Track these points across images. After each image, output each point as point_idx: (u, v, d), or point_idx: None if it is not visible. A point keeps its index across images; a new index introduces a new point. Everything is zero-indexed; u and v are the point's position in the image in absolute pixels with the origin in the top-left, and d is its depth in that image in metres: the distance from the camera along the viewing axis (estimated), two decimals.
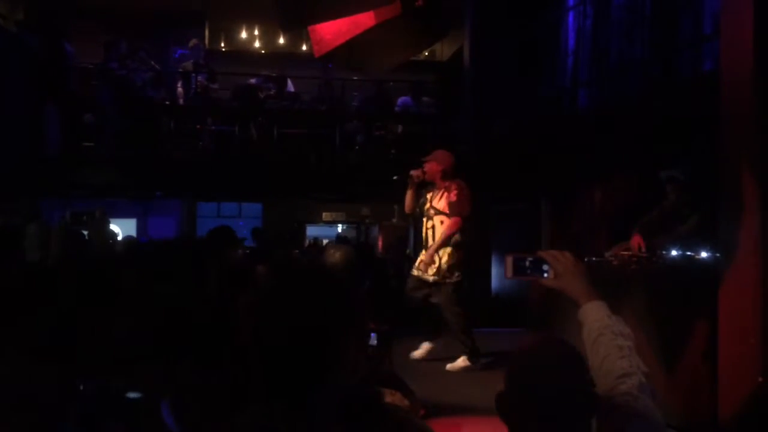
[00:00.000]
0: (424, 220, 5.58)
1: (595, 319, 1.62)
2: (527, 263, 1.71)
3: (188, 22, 11.06)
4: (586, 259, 3.93)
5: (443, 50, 12.13)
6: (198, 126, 9.40)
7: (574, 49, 7.10)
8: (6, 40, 7.98)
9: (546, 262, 1.69)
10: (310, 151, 9.06)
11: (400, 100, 9.99)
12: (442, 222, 5.42)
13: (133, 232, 9.81)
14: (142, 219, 10.64)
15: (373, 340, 2.51)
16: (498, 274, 7.94)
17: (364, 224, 12.81)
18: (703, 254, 3.82)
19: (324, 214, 12.53)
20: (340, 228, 13.43)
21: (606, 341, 1.59)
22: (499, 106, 7.86)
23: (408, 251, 10.31)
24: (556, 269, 1.68)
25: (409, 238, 11.08)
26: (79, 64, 9.18)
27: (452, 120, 9.14)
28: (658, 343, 3.80)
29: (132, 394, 1.70)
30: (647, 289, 3.98)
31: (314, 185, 9.19)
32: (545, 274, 1.69)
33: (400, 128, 9.87)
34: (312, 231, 13.03)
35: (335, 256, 3.61)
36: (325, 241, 10.82)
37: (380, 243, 11.84)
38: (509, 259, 1.71)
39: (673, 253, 3.96)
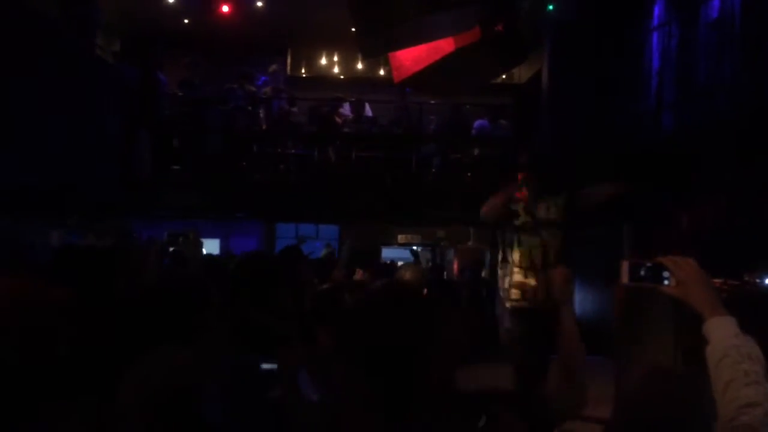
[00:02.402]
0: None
1: (721, 337, 1.46)
2: (645, 269, 1.59)
3: (272, 50, 11.48)
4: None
5: (521, 73, 12.07)
6: (279, 150, 9.71)
7: (659, 70, 6.92)
8: (104, 70, 8.51)
9: (667, 269, 1.55)
10: (387, 174, 9.18)
11: (477, 123, 9.99)
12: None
13: (216, 252, 10.17)
14: (225, 239, 11.02)
15: None
16: (578, 300, 7.76)
17: (439, 247, 12.80)
18: None
19: (399, 236, 12.61)
20: (416, 249, 13.48)
21: (731, 363, 1.42)
22: (579, 129, 7.74)
23: (483, 274, 10.23)
24: (678, 276, 1.53)
25: (484, 261, 11.01)
26: (170, 92, 9.68)
27: (529, 143, 9.07)
28: None
29: (267, 366, 1.79)
30: (739, 318, 3.81)
31: (390, 208, 9.29)
32: (665, 281, 1.55)
33: (476, 151, 9.86)
34: (387, 253, 13.12)
35: (405, 275, 3.73)
36: (399, 263, 10.88)
37: (455, 266, 11.79)
38: (625, 264, 1.59)
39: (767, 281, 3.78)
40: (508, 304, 4.48)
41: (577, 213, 4.48)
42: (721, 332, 1.46)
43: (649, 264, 1.58)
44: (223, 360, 1.82)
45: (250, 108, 9.60)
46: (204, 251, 9.02)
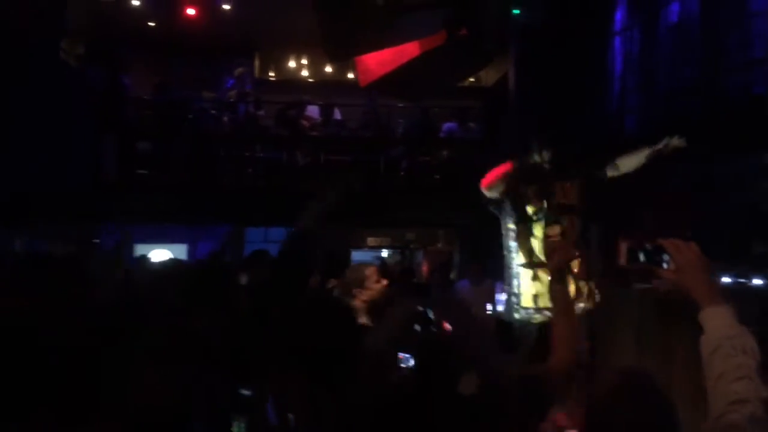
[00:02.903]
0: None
1: (716, 327, 1.40)
2: (645, 252, 1.52)
3: (240, 53, 11.41)
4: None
5: (488, 76, 12.17)
6: (246, 153, 9.65)
7: (621, 74, 7.05)
8: (68, 73, 8.37)
9: (667, 252, 1.49)
10: (356, 177, 9.18)
11: (446, 125, 10.06)
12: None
13: (183, 257, 10.05)
14: (193, 244, 10.90)
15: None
16: None
17: (409, 249, 12.83)
18: (757, 281, 3.72)
19: (369, 239, 12.60)
20: (384, 253, 13.47)
21: (723, 356, 1.36)
22: (545, 131, 7.82)
23: (452, 276, 10.28)
24: (678, 262, 1.47)
25: (453, 263, 11.06)
26: (135, 95, 9.57)
27: (497, 145, 9.15)
28: None
29: (245, 391, 1.79)
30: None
31: (359, 210, 9.29)
32: (664, 265, 1.49)
33: (445, 154, 9.92)
34: (357, 256, 13.10)
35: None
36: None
37: (425, 268, 11.83)
38: (623, 245, 1.54)
39: (724, 279, 3.87)
40: (517, 315, 3.80)
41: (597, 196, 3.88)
42: (716, 322, 1.41)
43: (649, 246, 1.52)
44: (202, 383, 1.81)
45: (213, 112, 9.53)
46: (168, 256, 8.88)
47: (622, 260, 1.54)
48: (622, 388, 1.37)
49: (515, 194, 3.85)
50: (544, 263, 3.61)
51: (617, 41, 7.16)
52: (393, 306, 2.85)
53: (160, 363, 1.50)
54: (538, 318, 3.74)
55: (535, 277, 3.75)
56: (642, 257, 1.52)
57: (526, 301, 3.77)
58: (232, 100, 9.79)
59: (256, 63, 12.32)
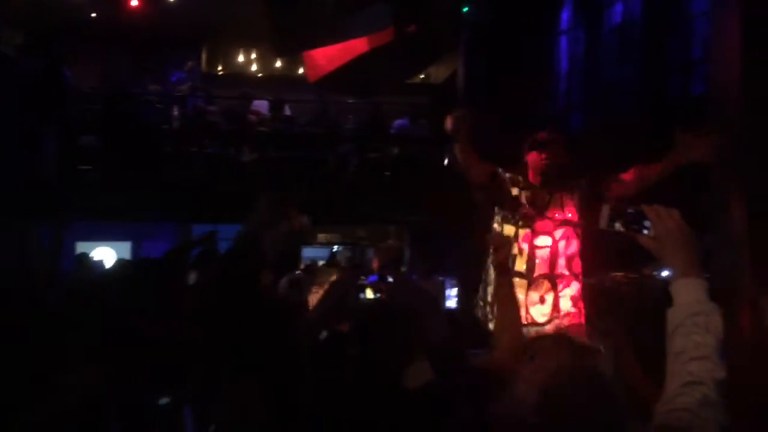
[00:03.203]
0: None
1: (683, 303, 1.34)
2: (627, 215, 1.47)
3: (186, 46, 11.15)
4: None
5: (438, 73, 12.23)
6: (194, 149, 9.46)
7: (567, 73, 7.19)
8: (3, 63, 8.04)
9: (648, 218, 1.43)
10: (305, 173, 9.10)
11: (397, 122, 10.06)
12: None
13: (127, 255, 9.79)
14: (137, 243, 10.63)
15: None
16: None
17: (360, 246, 12.81)
18: None
19: (319, 235, 12.53)
20: (335, 249, 13.43)
21: (684, 333, 1.30)
22: (494, 128, 7.91)
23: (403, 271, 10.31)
24: (658, 229, 1.41)
25: (404, 260, 11.08)
26: (77, 88, 9.25)
27: (446, 142, 9.21)
28: (650, 365, 3.80)
29: (163, 400, 1.72)
30: (640, 311, 3.98)
31: (309, 207, 9.22)
32: (645, 231, 1.44)
33: (396, 150, 9.92)
34: (308, 252, 13.02)
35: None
36: (320, 263, 10.81)
37: (375, 264, 11.83)
38: (605, 209, 1.48)
39: (665, 273, 3.97)
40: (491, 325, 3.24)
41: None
42: (684, 297, 1.35)
43: (631, 210, 1.48)
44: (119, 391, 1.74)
45: (159, 105, 9.31)
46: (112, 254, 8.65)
47: (603, 224, 1.49)
48: (573, 378, 1.35)
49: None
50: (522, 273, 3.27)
51: (563, 40, 7.29)
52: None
53: (79, 363, 1.43)
54: None
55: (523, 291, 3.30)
56: (626, 218, 1.47)
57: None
58: (183, 93, 9.56)
59: (204, 56, 12.08)
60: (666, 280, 4.00)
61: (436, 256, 9.54)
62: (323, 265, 9.84)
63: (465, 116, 3.29)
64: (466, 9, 7.58)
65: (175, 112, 9.47)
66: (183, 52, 10.82)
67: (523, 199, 3.38)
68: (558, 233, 3.27)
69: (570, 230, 3.27)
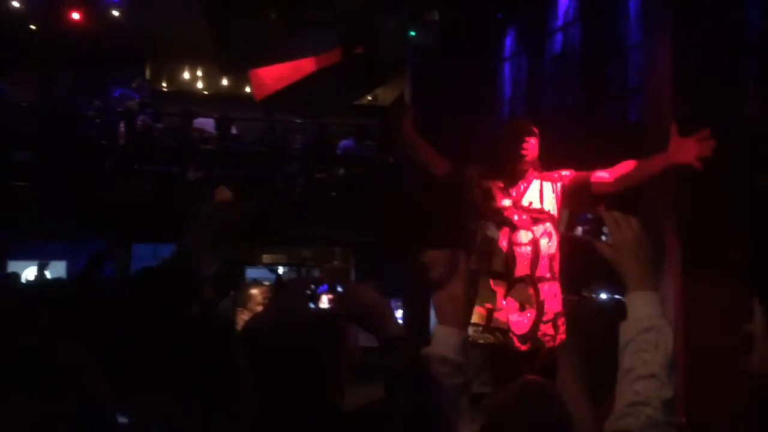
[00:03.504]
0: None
1: (636, 317, 1.29)
2: (586, 221, 1.46)
3: (130, 61, 10.95)
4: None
5: (385, 95, 12.35)
6: (136, 167, 9.25)
7: (510, 98, 7.36)
8: None
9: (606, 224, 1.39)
10: (251, 193, 9.00)
11: (343, 143, 10.09)
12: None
13: (62, 274, 9.47)
14: (73, 262, 10.28)
15: None
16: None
17: (305, 267, 12.71)
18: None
19: (264, 256, 12.39)
20: (281, 270, 13.28)
21: (634, 350, 1.26)
22: (440, 150, 8.02)
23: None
24: (615, 238, 1.36)
25: (349, 281, 11.04)
26: (13, 102, 8.97)
27: (394, 164, 9.27)
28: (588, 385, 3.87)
29: (122, 419, 1.66)
30: (578, 331, 4.07)
31: (254, 227, 9.11)
32: (603, 237, 1.41)
33: (342, 171, 9.93)
34: (252, 273, 12.83)
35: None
36: (266, 283, 10.67)
37: None
38: (565, 213, 1.45)
39: (602, 295, 4.08)
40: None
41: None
42: (639, 311, 1.30)
43: (590, 215, 1.51)
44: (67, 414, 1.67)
45: (98, 121, 9.08)
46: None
47: (562, 228, 1.50)
48: (523, 396, 1.35)
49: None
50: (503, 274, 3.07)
51: (506, 67, 7.47)
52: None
53: (12, 395, 1.37)
54: (486, 338, 3.10)
55: (491, 290, 3.12)
56: (585, 224, 1.47)
57: (476, 317, 3.13)
58: (131, 109, 9.36)
59: (148, 72, 11.89)
60: (606, 303, 4.12)
61: (382, 278, 9.54)
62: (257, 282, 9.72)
63: (407, 111, 3.24)
64: (413, 33, 7.69)
65: (122, 129, 9.26)
66: (126, 67, 10.62)
67: (496, 191, 3.14)
68: (538, 230, 2.94)
69: (551, 226, 2.92)
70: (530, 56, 6.87)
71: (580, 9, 5.97)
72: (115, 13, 9.58)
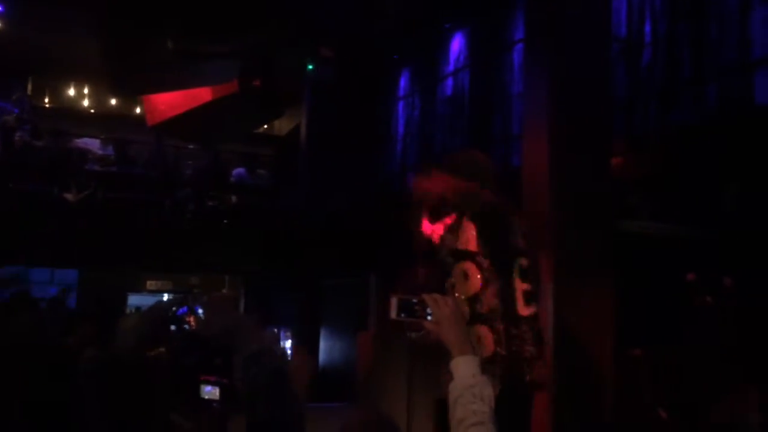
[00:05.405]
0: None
1: (461, 376, 1.55)
2: (411, 305, 1.64)
3: (10, 75, 10.35)
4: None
5: (282, 125, 12.38)
6: (11, 185, 8.68)
7: (404, 136, 7.63)
8: None
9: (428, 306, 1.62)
10: (137, 217, 8.69)
11: (236, 171, 9.98)
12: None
13: None
14: None
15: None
16: (325, 348, 8.01)
17: (192, 294, 12.35)
18: None
19: (149, 282, 11.93)
20: (165, 297, 12.82)
21: (464, 403, 1.51)
22: (334, 183, 8.14)
23: None
24: (436, 314, 1.60)
25: (238, 309, 10.86)
26: None
27: (287, 194, 9.29)
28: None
29: None
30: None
31: (137, 252, 8.78)
32: (429, 317, 1.62)
33: (234, 199, 9.80)
34: (134, 300, 12.30)
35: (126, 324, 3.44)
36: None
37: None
38: (394, 300, 1.64)
39: None
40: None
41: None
42: (462, 371, 1.55)
43: (415, 300, 1.65)
44: None
45: None
46: None
47: (393, 314, 1.66)
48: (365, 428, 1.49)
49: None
50: None
51: (401, 105, 7.75)
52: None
53: None
54: None
55: None
56: (411, 308, 1.64)
57: None
58: (8, 125, 8.79)
59: (29, 87, 11.27)
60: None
61: (271, 307, 9.46)
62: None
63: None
64: (310, 67, 7.83)
65: None
66: (6, 81, 10.03)
67: (439, 235, 2.92)
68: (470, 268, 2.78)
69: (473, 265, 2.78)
70: (423, 97, 7.18)
71: (470, 57, 6.33)
72: None
